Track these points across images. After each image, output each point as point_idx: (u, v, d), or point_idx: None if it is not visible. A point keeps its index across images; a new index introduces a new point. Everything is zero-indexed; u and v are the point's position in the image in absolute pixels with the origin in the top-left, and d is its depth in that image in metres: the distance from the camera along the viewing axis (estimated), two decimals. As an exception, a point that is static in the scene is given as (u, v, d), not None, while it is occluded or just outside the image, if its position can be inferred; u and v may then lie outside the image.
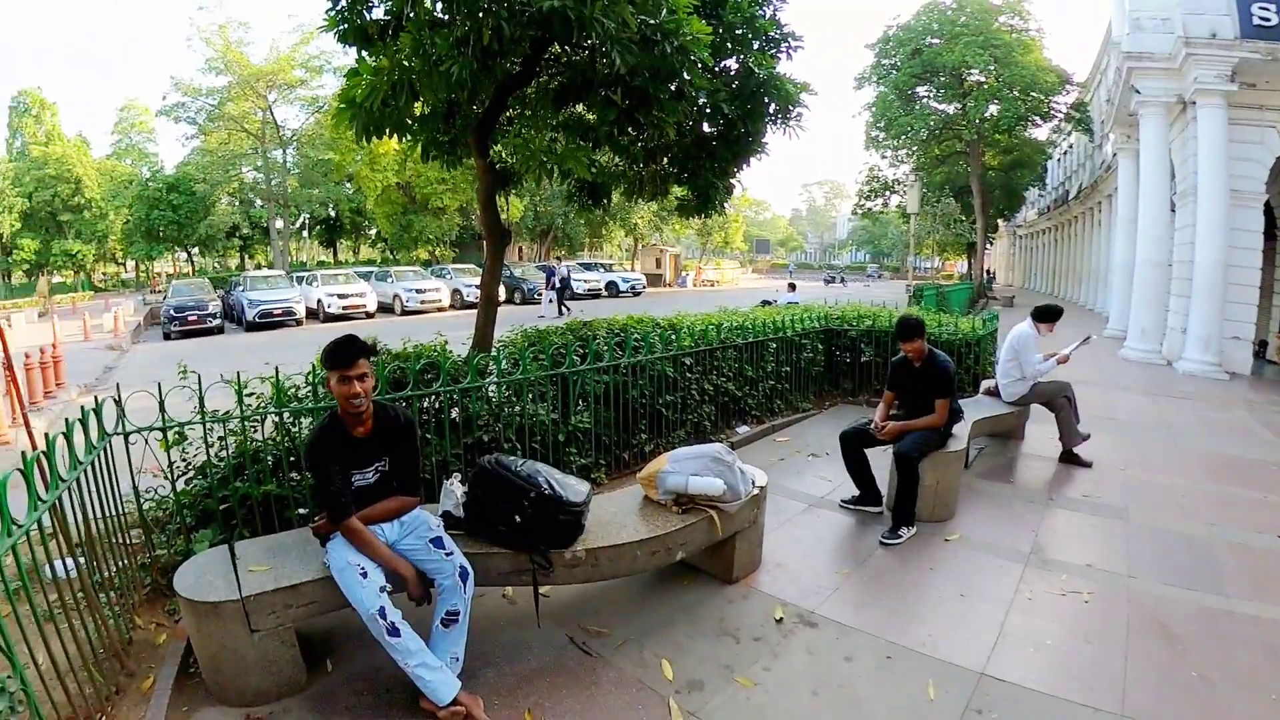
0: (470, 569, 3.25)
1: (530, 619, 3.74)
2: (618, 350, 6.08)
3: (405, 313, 26.22)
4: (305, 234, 52.29)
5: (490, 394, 5.23)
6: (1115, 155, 22.24)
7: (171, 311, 21.93)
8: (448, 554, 3.24)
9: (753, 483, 4.24)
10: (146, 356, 17.70)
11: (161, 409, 3.93)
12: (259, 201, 45.71)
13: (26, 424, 4.65)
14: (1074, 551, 4.93)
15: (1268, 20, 13.22)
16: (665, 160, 7.09)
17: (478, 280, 27.44)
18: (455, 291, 27.98)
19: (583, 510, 3.61)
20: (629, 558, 3.70)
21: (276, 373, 4.38)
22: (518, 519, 3.44)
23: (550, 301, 24.18)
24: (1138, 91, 15.41)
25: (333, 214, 47.48)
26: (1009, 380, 6.89)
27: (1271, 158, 13.82)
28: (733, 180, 7.18)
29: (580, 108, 6.43)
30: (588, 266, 37.38)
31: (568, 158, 5.49)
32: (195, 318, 21.85)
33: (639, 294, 35.74)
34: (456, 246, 45.98)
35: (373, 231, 49.58)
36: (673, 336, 6.60)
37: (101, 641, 3.15)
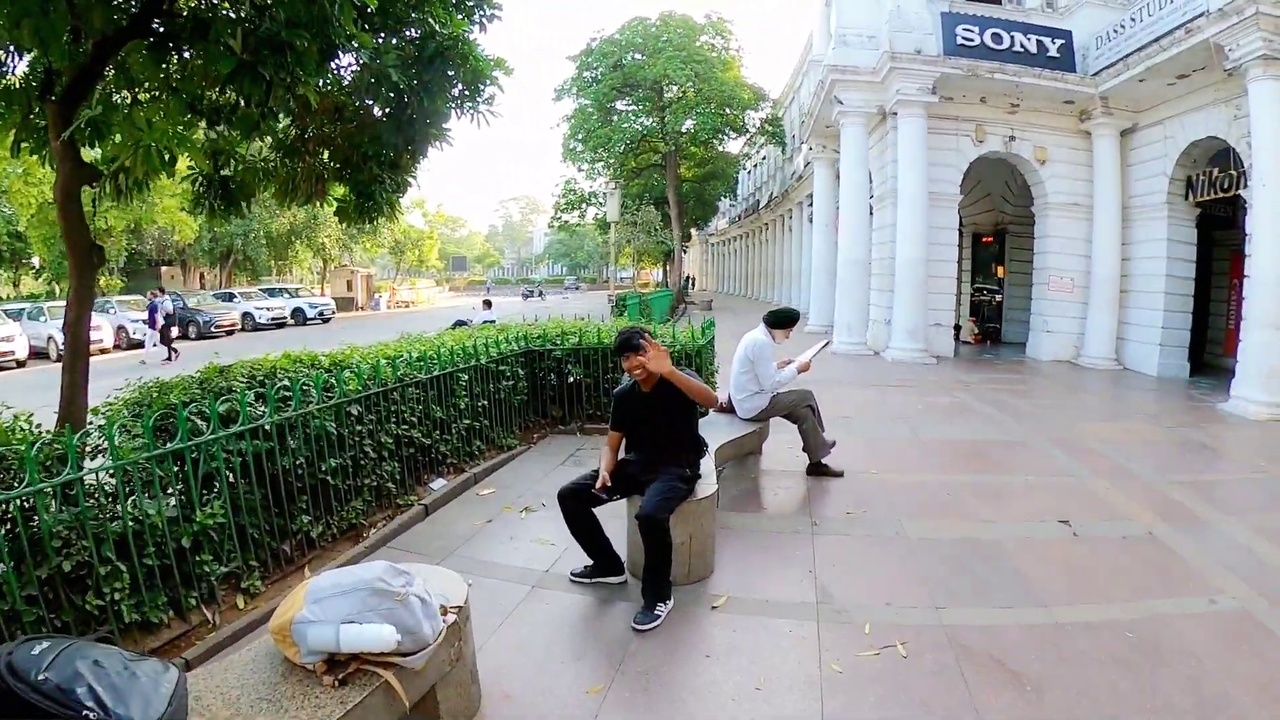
0: None
1: None
2: (258, 405, 4.51)
3: (61, 358, 21.22)
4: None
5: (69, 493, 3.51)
6: (807, 165, 24.60)
7: None
8: None
9: (442, 609, 2.89)
10: None
11: None
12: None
13: None
14: (865, 589, 4.22)
15: (970, 40, 14.49)
16: (325, 154, 5.53)
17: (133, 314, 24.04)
18: (120, 329, 23.52)
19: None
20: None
21: None
22: None
23: (155, 345, 19.85)
24: (840, 102, 16.31)
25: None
26: (745, 395, 6.12)
27: (966, 163, 15.40)
28: (407, 176, 5.73)
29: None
30: (271, 292, 34.05)
31: (165, 134, 3.78)
32: None
33: (328, 320, 33.48)
34: (126, 274, 39.91)
35: (35, 260, 41.70)
36: (332, 380, 5.06)
37: None
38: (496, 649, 3.68)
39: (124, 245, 35.50)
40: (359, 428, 5.20)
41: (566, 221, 37.66)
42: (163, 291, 21.44)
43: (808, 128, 21.68)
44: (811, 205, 24.03)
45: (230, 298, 31.38)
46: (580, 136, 32.15)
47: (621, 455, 4.45)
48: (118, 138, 4.35)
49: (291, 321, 31.58)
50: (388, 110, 5.30)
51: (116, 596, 3.55)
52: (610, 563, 4.38)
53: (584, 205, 35.99)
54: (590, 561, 4.41)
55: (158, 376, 5.14)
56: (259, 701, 2.48)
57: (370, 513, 5.32)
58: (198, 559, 3.98)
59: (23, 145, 4.88)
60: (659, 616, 3.89)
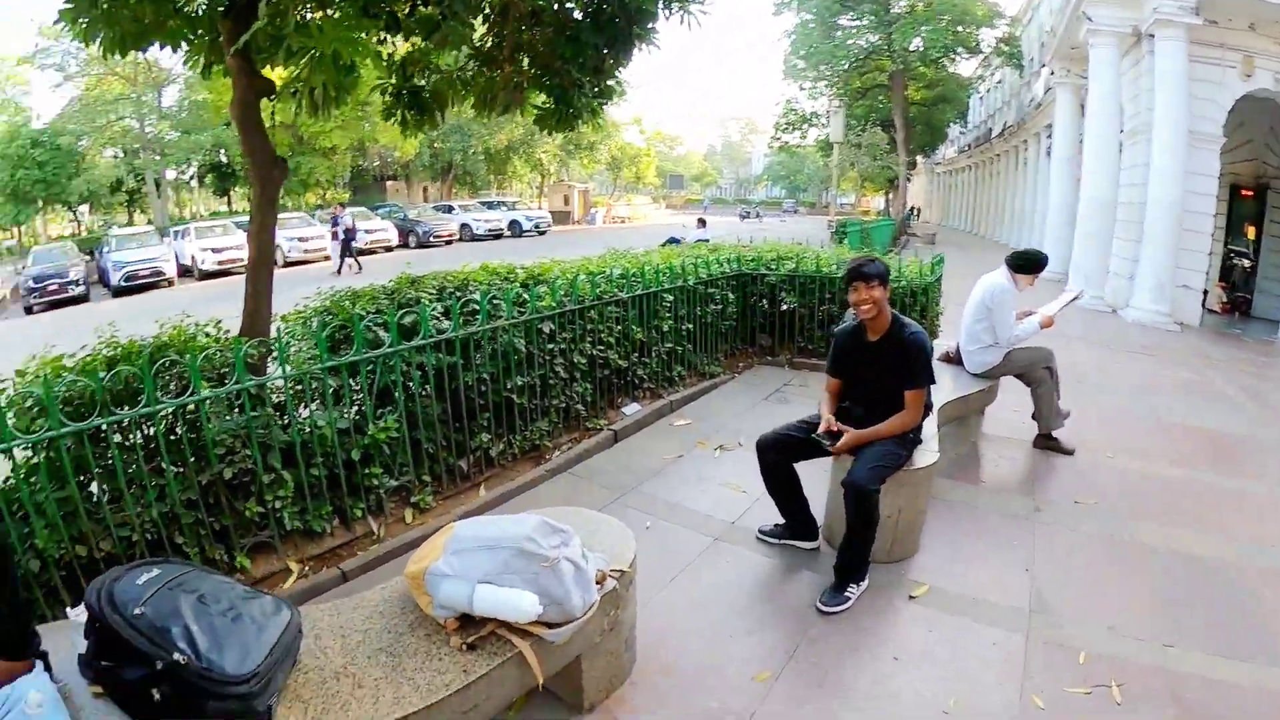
0: None
1: None
2: (443, 319, 4.32)
3: (288, 264, 23.06)
4: (195, 184, 47.86)
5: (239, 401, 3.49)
6: (1048, 91, 21.71)
7: (31, 282, 19.11)
8: None
9: (600, 575, 2.49)
10: (-1, 338, 15.01)
11: None
12: (144, 152, 41.72)
13: None
14: (1086, 603, 3.43)
15: (1238, -49, 11.79)
16: (525, 61, 5.20)
17: (366, 224, 25.83)
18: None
19: (256, 686, 1.89)
20: (359, 756, 2.00)
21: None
22: (156, 696, 1.82)
23: (338, 257, 20.95)
24: (1089, 19, 14.23)
25: (224, 160, 43.32)
26: (977, 347, 5.23)
27: (1231, 100, 12.78)
28: (609, 81, 5.27)
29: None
30: (489, 205, 35.08)
31: (339, 41, 3.54)
32: (56, 287, 19.02)
33: (544, 232, 33.11)
34: (353, 189, 43.03)
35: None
36: (525, 296, 4.80)
37: None
38: (663, 608, 3.31)
39: (349, 162, 38.11)
40: (550, 346, 4.98)
41: (786, 143, 36.20)
42: (343, 208, 22.69)
43: (1049, 49, 19.36)
44: (1050, 137, 21.23)
45: (449, 210, 32.65)
46: (802, 53, 30.42)
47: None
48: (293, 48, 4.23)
49: (508, 233, 31.80)
50: (588, 10, 4.86)
51: (278, 505, 3.52)
52: (805, 526, 3.86)
53: (805, 126, 34.31)
54: (782, 521, 3.91)
55: (349, 286, 5.11)
56: (378, 653, 2.23)
57: (556, 434, 5.14)
58: (367, 471, 3.90)
59: (214, 68, 4.86)
60: (848, 599, 3.35)
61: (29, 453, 2.98)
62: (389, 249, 26.10)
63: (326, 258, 23.38)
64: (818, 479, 3.89)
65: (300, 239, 24.24)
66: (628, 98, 5.56)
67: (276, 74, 4.67)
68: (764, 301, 7.45)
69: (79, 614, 2.18)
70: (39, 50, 36.43)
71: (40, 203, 40.73)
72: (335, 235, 21.03)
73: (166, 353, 3.47)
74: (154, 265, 20.51)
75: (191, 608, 1.95)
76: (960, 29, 27.11)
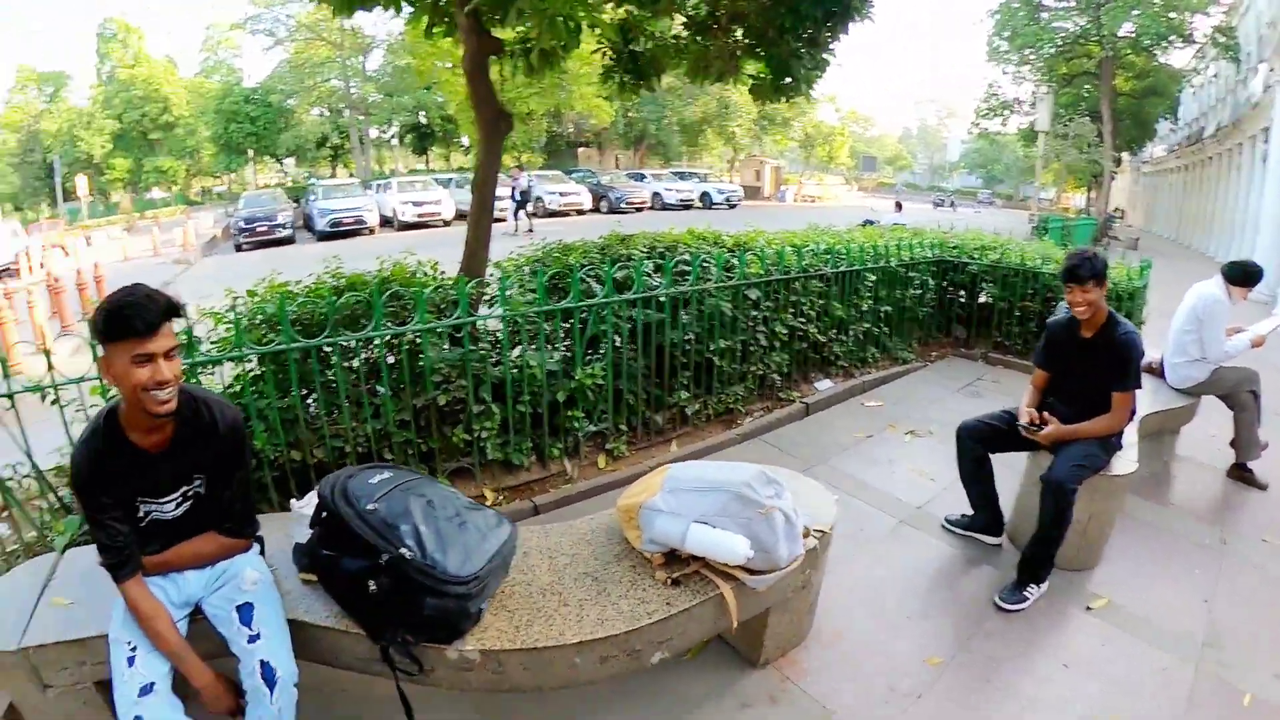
0: (280, 667, 1.96)
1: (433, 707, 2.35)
2: (655, 276, 4.45)
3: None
4: (395, 142, 51.17)
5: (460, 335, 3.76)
6: (1266, 90, 19.16)
7: (241, 223, 21.26)
8: (252, 637, 2.01)
9: (805, 531, 2.50)
10: (209, 271, 16.77)
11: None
12: (349, 111, 45.21)
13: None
14: (1260, 646, 3.13)
15: None
16: (739, 31, 5.22)
17: (561, 188, 26.94)
18: (537, 199, 26.08)
19: (473, 589, 2.04)
20: (562, 666, 2.13)
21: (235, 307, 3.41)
22: (372, 588, 1.98)
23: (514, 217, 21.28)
24: None
25: (423, 121, 46.25)
26: (1183, 360, 4.76)
27: None
28: (825, 54, 5.20)
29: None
30: (680, 175, 34.70)
31: (569, 5, 3.68)
32: (265, 228, 21.04)
33: (734, 206, 31.89)
34: (547, 153, 44.44)
35: (465, 139, 48.58)
36: (734, 261, 4.85)
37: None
38: (844, 581, 3.29)
39: (545, 127, 39.35)
40: (754, 313, 5.04)
41: (986, 129, 34.39)
42: (521, 170, 23.40)
43: (1269, 43, 17.10)
44: (1267, 141, 19.00)
45: (641, 178, 32.66)
46: (1005, 34, 28.78)
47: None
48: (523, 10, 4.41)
49: (698, 204, 31.14)
50: (807, -19, 4.78)
51: (483, 435, 3.76)
52: (992, 520, 3.74)
53: (1007, 112, 32.38)
54: (970, 512, 3.80)
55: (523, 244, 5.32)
56: (583, 577, 2.36)
57: (749, 400, 5.20)
58: (569, 414, 4.10)
59: (435, 29, 5.10)
60: (1027, 599, 3.23)
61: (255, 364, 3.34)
62: (581, 212, 26.55)
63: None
64: (1007, 479, 3.76)
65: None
66: (835, 69, 5.46)
67: (501, 34, 4.90)
68: (962, 292, 7.16)
69: (303, 505, 2.38)
70: (249, 17, 40.67)
71: (250, 154, 45.51)
72: (512, 195, 21.93)
73: (390, 286, 3.76)
74: (358, 214, 22.07)
75: (421, 510, 2.11)
76: (1173, 15, 24.57)
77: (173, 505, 2.06)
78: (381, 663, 2.04)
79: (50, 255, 20.01)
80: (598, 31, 4.39)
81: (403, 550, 1.97)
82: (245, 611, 2.05)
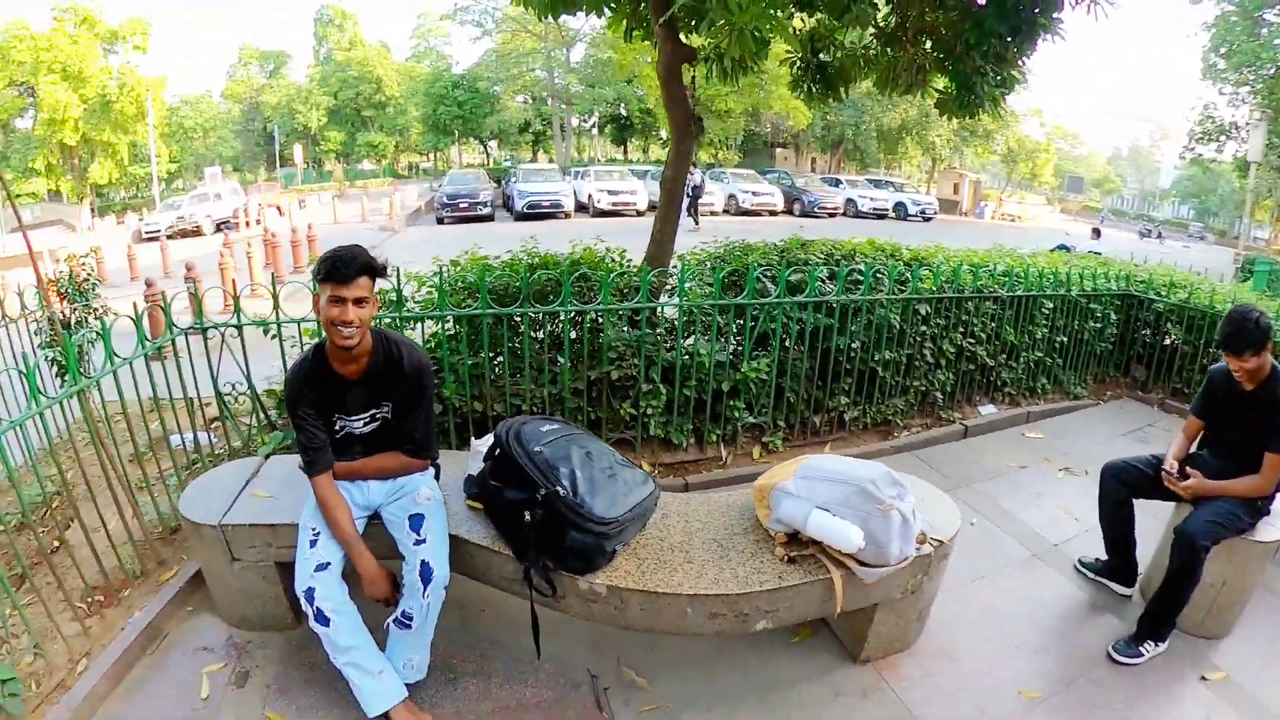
0: (436, 569, 2.39)
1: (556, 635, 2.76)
2: (828, 282, 4.62)
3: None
4: (595, 131, 53.25)
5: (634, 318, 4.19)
6: None
7: (445, 199, 23.04)
8: (418, 541, 2.46)
9: (921, 536, 2.62)
10: (412, 240, 18.25)
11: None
12: (551, 100, 47.40)
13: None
14: None
15: None
16: (928, 43, 5.24)
17: (755, 187, 27.20)
18: (730, 197, 26.70)
19: (612, 531, 2.37)
20: (674, 613, 2.40)
21: (440, 274, 3.99)
22: (527, 517, 2.36)
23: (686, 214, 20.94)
24: None
25: (623, 113, 47.77)
26: None
27: None
28: (1012, 70, 5.11)
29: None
30: (876, 183, 33.75)
31: (756, 16, 3.87)
32: (466, 205, 22.67)
33: (929, 219, 30.28)
34: (743, 152, 44.50)
35: (663, 133, 49.61)
36: (907, 275, 4.93)
37: (142, 525, 3.30)
38: (963, 602, 3.33)
39: (742, 126, 39.56)
40: (923, 328, 5.07)
41: (1200, 156, 30.33)
42: (695, 167, 23.51)
43: None
44: None
45: (836, 183, 31.90)
46: (1222, 50, 25.72)
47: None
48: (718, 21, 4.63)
49: (892, 215, 30.16)
50: (992, -4, 4.74)
51: (648, 412, 4.11)
52: (1124, 567, 3.61)
53: (1223, 137, 28.38)
54: (1104, 557, 3.69)
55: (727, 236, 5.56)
56: (710, 542, 2.62)
57: (909, 415, 5.23)
58: (731, 403, 4.36)
59: (634, 33, 5.45)
60: (1142, 655, 3.09)
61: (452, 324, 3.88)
62: (773, 213, 26.40)
63: (712, 213, 24.69)
64: (1153, 529, 3.59)
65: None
66: (1029, 87, 5.28)
67: (695, 41, 5.18)
68: (1147, 330, 6.69)
69: (481, 444, 2.77)
70: (459, 8, 44.33)
71: (455, 134, 49.32)
72: (685, 192, 22.20)
73: (579, 268, 4.14)
74: (555, 198, 23.22)
75: (580, 458, 2.47)
76: None
77: (361, 423, 2.56)
78: (523, 583, 2.41)
79: (267, 214, 22.66)
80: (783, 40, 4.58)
81: (558, 488, 2.32)
82: (416, 520, 2.47)
